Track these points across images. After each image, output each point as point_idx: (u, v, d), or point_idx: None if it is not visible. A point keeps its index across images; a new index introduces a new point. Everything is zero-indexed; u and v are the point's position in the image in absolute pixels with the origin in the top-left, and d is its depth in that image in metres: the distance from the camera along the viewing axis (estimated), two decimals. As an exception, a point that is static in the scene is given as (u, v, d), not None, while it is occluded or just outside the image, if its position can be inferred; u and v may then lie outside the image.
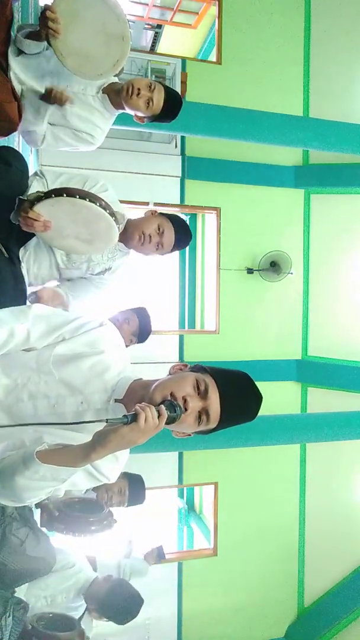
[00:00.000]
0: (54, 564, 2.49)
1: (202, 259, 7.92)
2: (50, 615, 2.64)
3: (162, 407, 1.12)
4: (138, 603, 3.00)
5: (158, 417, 1.10)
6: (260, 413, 1.30)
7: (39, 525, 2.84)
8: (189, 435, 1.30)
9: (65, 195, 1.70)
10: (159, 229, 2.07)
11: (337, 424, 5.04)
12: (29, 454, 1.10)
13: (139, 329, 2.62)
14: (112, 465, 1.27)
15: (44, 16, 1.74)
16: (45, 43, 1.85)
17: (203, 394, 1.21)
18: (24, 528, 2.30)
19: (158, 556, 4.02)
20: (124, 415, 1.08)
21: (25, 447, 1.18)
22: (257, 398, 1.29)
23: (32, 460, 1.08)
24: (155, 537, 6.64)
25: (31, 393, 1.24)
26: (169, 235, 2.08)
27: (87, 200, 1.71)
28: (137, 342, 2.70)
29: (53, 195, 1.70)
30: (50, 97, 1.93)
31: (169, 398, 1.18)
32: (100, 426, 1.14)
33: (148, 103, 2.06)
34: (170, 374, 1.32)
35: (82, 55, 1.84)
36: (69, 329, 1.32)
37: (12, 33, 1.95)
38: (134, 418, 1.07)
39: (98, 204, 1.73)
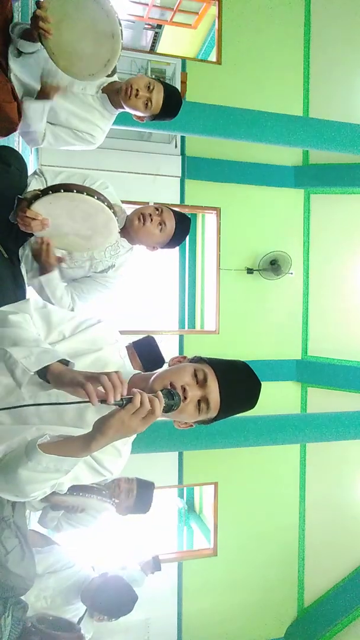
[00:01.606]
0: (30, 586, 2.38)
1: (202, 259, 7.92)
2: (51, 618, 2.63)
3: (159, 392, 1.13)
4: (130, 597, 3.00)
5: None
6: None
7: (48, 507, 2.91)
8: (191, 425, 1.31)
9: (63, 190, 1.69)
10: (156, 209, 2.07)
11: (337, 424, 5.04)
12: (31, 445, 1.11)
13: (142, 359, 2.30)
14: (115, 459, 1.29)
15: (35, 16, 1.71)
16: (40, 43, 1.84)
17: (202, 383, 1.23)
18: (14, 539, 2.22)
19: (154, 567, 4.03)
20: (120, 399, 1.09)
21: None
22: (256, 385, 1.30)
23: (34, 451, 1.09)
24: (151, 544, 6.64)
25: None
26: (168, 214, 2.07)
27: (85, 194, 1.70)
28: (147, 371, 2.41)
29: (51, 192, 1.69)
30: (45, 92, 1.92)
31: (169, 387, 1.19)
32: (100, 415, 1.14)
33: (147, 104, 2.05)
34: (169, 365, 1.34)
35: (74, 55, 1.79)
36: (69, 327, 1.33)
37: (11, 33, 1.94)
38: (130, 401, 1.07)
39: (96, 197, 1.72)
